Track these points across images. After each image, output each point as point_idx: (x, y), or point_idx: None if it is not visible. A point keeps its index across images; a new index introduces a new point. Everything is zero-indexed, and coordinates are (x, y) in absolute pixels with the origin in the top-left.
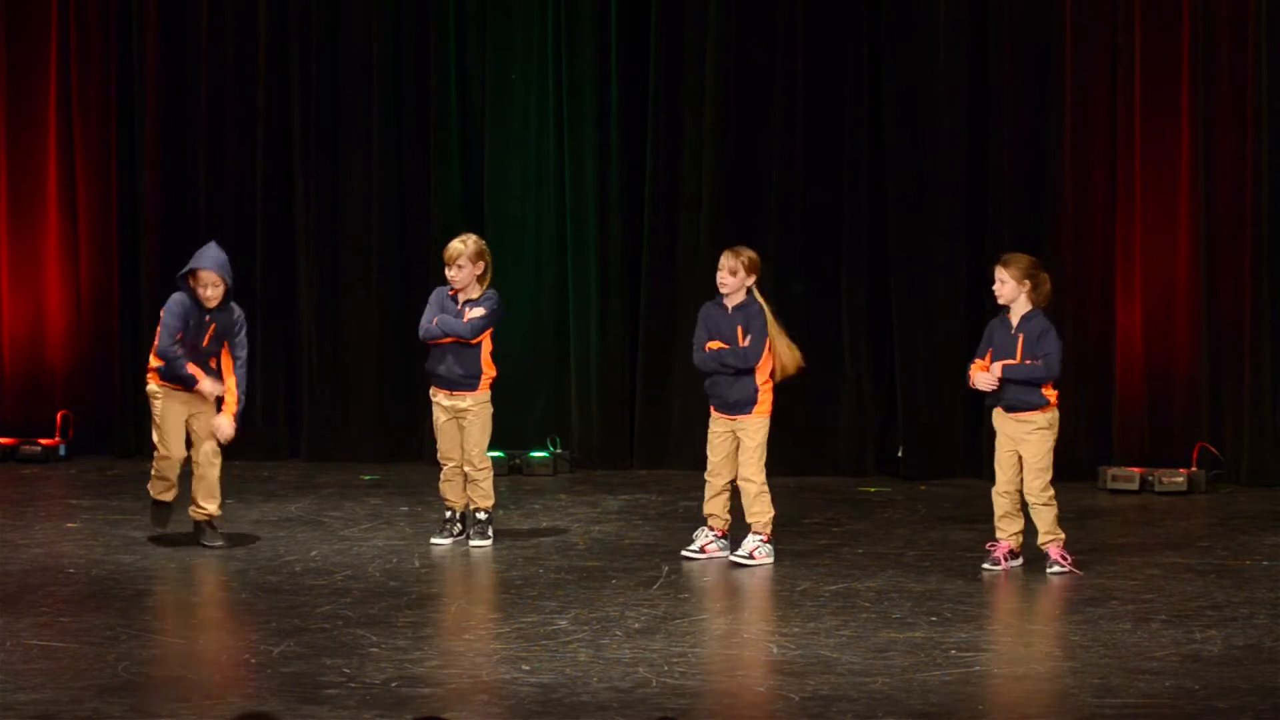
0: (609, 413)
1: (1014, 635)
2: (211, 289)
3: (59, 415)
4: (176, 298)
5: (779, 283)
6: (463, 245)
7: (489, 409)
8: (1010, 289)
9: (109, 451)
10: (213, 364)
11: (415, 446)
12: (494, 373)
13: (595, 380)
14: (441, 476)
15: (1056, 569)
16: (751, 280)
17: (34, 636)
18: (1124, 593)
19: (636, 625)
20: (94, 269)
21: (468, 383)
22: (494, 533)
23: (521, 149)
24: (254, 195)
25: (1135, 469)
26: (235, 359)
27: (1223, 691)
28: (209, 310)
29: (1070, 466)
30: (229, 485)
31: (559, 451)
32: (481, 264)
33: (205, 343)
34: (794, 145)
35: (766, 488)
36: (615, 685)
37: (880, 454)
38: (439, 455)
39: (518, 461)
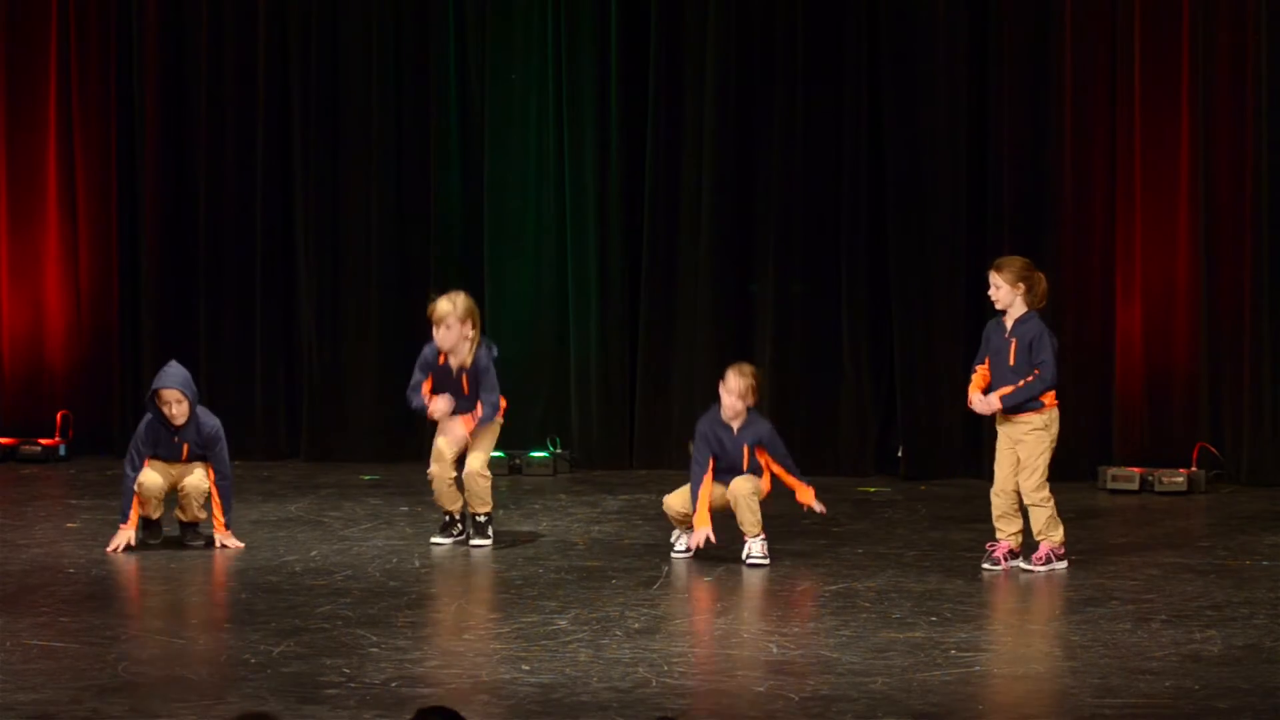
0: (609, 413)
1: (1014, 635)
2: (176, 405)
3: (59, 415)
4: (145, 422)
5: (779, 283)
6: (450, 305)
7: (499, 424)
8: (1005, 293)
9: (109, 451)
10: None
11: (415, 446)
12: (505, 404)
13: (595, 380)
14: (434, 490)
15: (1025, 565)
16: (754, 400)
17: (34, 636)
18: (1124, 593)
19: (636, 625)
20: (94, 269)
21: (469, 406)
22: (494, 533)
23: (521, 149)
24: (254, 195)
25: (1135, 469)
26: (218, 474)
27: (1223, 691)
28: (177, 430)
29: (1070, 466)
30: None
31: (559, 451)
32: (469, 323)
33: (184, 458)
34: (794, 145)
35: None
36: (615, 685)
37: (880, 454)
38: (433, 456)
39: (518, 461)
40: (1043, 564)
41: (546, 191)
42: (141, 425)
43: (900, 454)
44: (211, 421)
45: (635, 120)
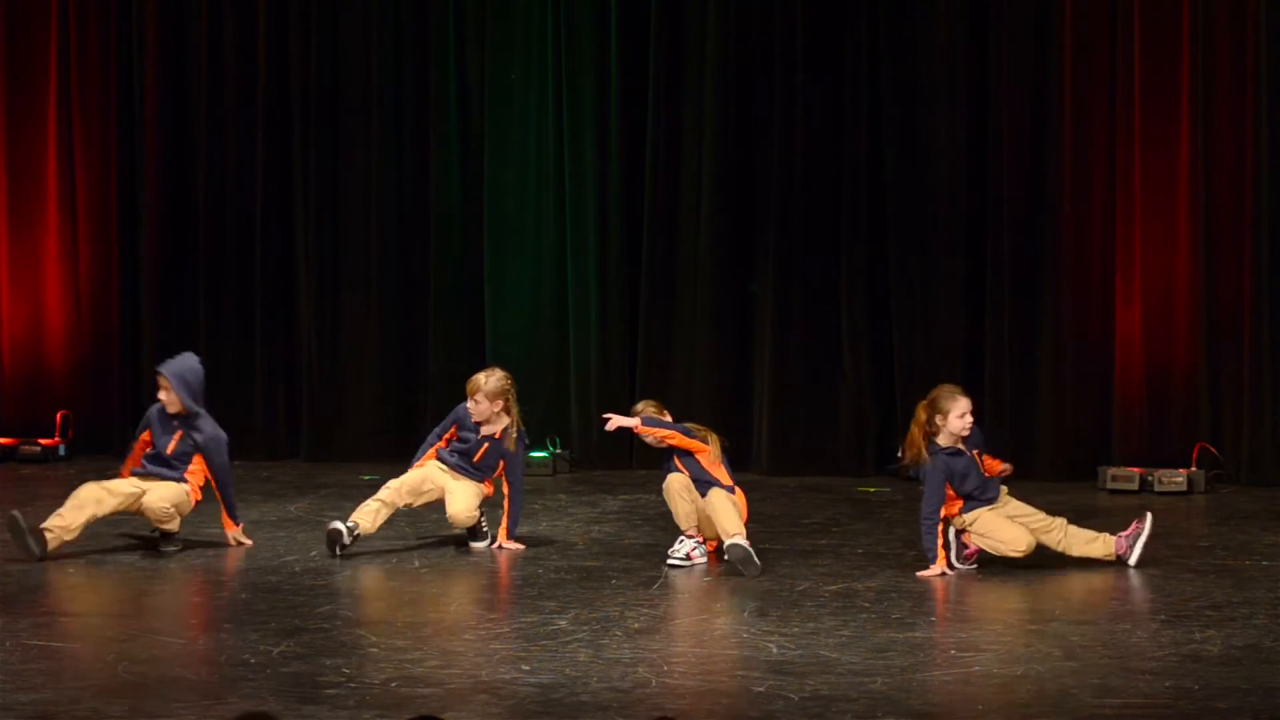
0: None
1: (1014, 635)
2: (164, 394)
3: (59, 415)
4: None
5: (779, 283)
6: (483, 380)
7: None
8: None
9: (109, 451)
10: (187, 474)
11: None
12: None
13: (595, 381)
14: (373, 502)
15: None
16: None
17: (34, 636)
18: (1124, 593)
19: (636, 625)
20: (94, 269)
21: (479, 475)
22: (490, 533)
23: (521, 148)
24: (254, 195)
25: (1135, 469)
26: (217, 481)
27: (1223, 691)
28: (175, 417)
29: (1070, 466)
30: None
31: (559, 451)
32: (501, 401)
33: (170, 450)
34: (794, 145)
35: None
36: (615, 685)
37: (880, 454)
38: (392, 485)
39: None
40: (1130, 543)
41: (546, 191)
42: (148, 413)
43: (900, 454)
44: (210, 430)
45: (635, 120)
